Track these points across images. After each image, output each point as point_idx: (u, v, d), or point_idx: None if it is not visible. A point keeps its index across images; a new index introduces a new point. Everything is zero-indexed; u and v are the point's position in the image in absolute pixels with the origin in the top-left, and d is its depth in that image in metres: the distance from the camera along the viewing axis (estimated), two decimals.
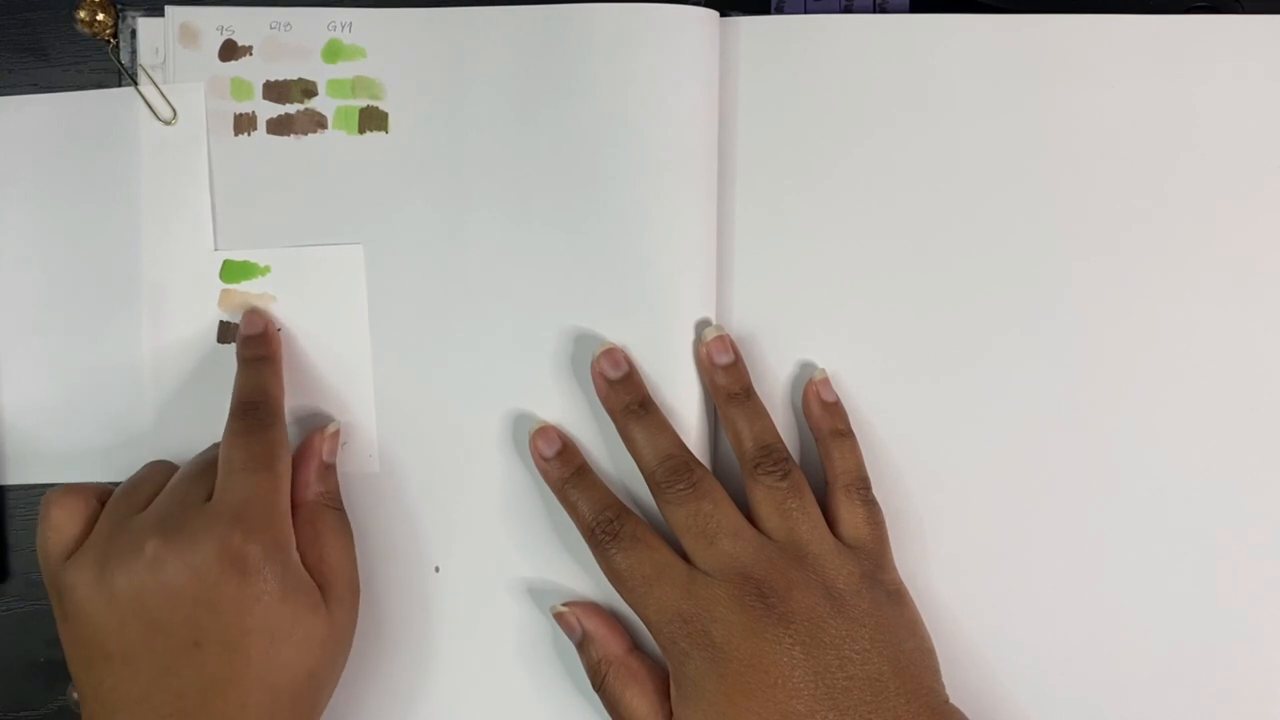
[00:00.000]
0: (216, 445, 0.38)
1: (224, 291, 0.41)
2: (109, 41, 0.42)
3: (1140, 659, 0.41)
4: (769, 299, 0.42)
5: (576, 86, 0.41)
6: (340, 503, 0.40)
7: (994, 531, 0.41)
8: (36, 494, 0.42)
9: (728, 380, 0.40)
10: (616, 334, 0.40)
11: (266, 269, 0.41)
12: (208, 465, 0.37)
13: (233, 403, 0.38)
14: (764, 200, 0.42)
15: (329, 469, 0.40)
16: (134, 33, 0.42)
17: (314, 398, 0.41)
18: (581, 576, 0.41)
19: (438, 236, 0.41)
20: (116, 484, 0.38)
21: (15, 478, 0.42)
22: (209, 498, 0.36)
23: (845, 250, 0.42)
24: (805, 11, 0.42)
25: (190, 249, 0.41)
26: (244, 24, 0.41)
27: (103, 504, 0.37)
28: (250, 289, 0.41)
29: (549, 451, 0.40)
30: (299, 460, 0.39)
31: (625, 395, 0.39)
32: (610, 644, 0.39)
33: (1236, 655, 0.41)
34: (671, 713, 0.37)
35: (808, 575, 0.37)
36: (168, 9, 0.41)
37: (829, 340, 0.42)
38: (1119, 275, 0.41)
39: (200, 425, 0.41)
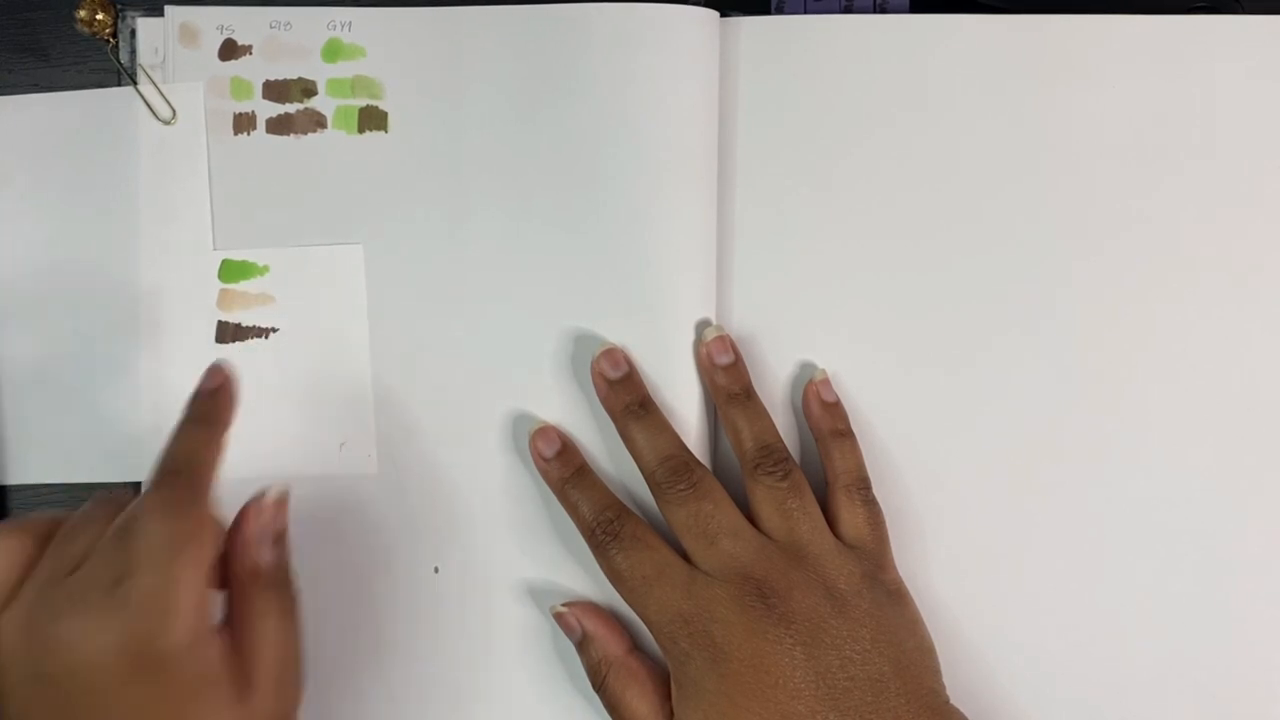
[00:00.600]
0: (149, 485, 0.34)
1: (222, 291, 0.41)
2: (108, 41, 0.42)
3: (1140, 659, 0.41)
4: (769, 299, 0.42)
5: (576, 86, 0.41)
6: (288, 576, 0.36)
7: (994, 531, 0.41)
8: (37, 494, 0.42)
9: (728, 380, 0.40)
10: (616, 334, 0.40)
11: (265, 269, 0.41)
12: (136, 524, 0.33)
13: (156, 465, 0.34)
14: (764, 200, 0.42)
15: (279, 538, 0.36)
16: (133, 32, 0.42)
17: (312, 399, 0.41)
18: (581, 577, 0.41)
19: (437, 236, 0.41)
20: (88, 494, 0.35)
21: (16, 478, 0.42)
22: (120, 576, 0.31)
23: (845, 250, 0.42)
24: (805, 11, 0.42)
25: (189, 248, 0.41)
26: (244, 23, 0.41)
27: (47, 542, 0.33)
28: (249, 288, 0.41)
29: (549, 452, 0.40)
30: (236, 531, 0.35)
31: (625, 396, 0.39)
32: (610, 644, 0.39)
33: (1236, 655, 0.41)
34: (672, 713, 0.37)
35: (808, 575, 0.37)
36: (167, 9, 0.41)
37: (829, 340, 0.42)
38: (1119, 275, 0.41)
39: None
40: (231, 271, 0.41)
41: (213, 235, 0.41)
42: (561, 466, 0.40)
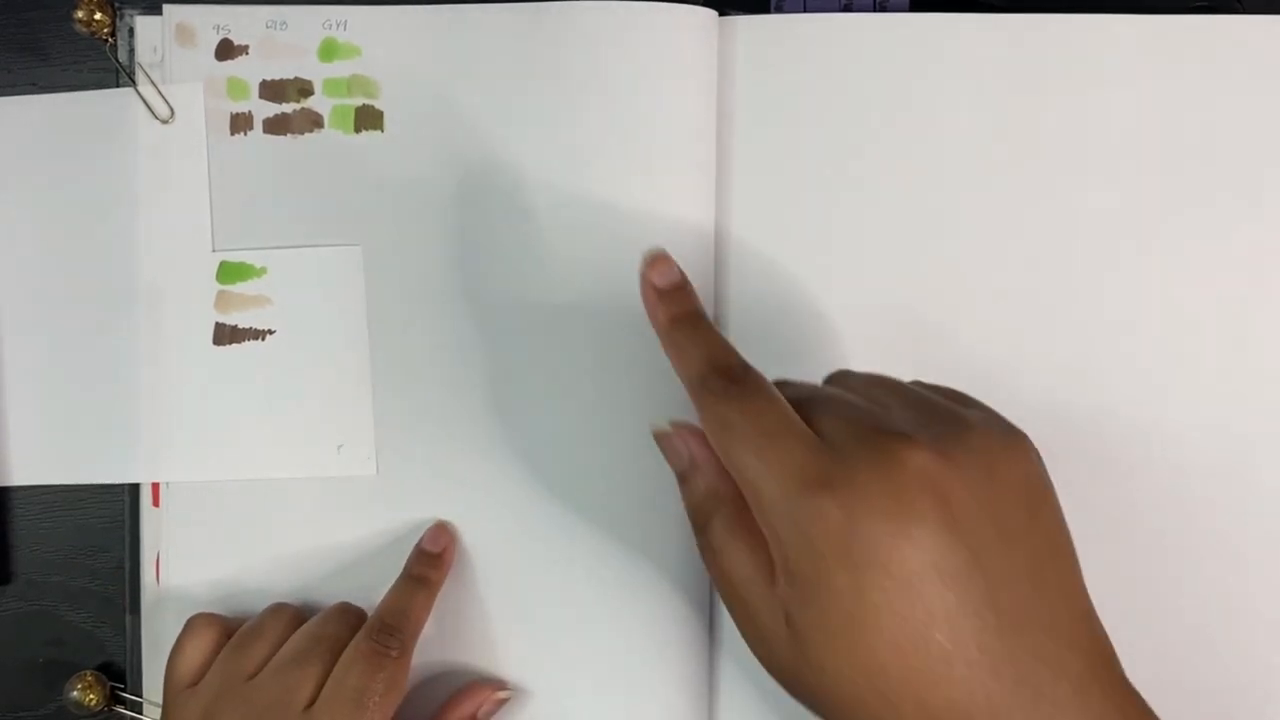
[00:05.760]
0: (332, 614, 0.39)
1: (220, 293, 0.41)
2: (107, 40, 0.42)
3: (1141, 659, 0.41)
4: (768, 298, 0.42)
5: (573, 85, 0.40)
6: None
7: None
8: (38, 494, 0.42)
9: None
10: (616, 333, 0.40)
11: (263, 270, 0.41)
12: (319, 650, 0.37)
13: (373, 616, 0.38)
14: (763, 199, 0.42)
15: None
16: (132, 31, 0.42)
17: (310, 402, 0.41)
18: (586, 579, 0.41)
19: (434, 236, 0.41)
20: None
21: (16, 478, 0.42)
22: (312, 701, 0.36)
23: (844, 249, 0.41)
24: (804, 10, 0.42)
25: (187, 250, 0.41)
26: (240, 23, 0.41)
27: (227, 637, 0.39)
28: (246, 290, 0.41)
29: (663, 283, 0.34)
30: (451, 708, 0.40)
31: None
32: (723, 480, 0.32)
33: (1237, 655, 0.41)
34: (779, 599, 0.30)
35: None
36: (165, 7, 0.41)
37: (828, 340, 0.41)
38: (1119, 275, 0.41)
39: (198, 427, 0.41)
40: (229, 273, 0.41)
41: (211, 236, 0.41)
42: (676, 304, 0.34)
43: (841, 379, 0.34)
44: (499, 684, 0.41)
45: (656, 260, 0.34)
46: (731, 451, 0.30)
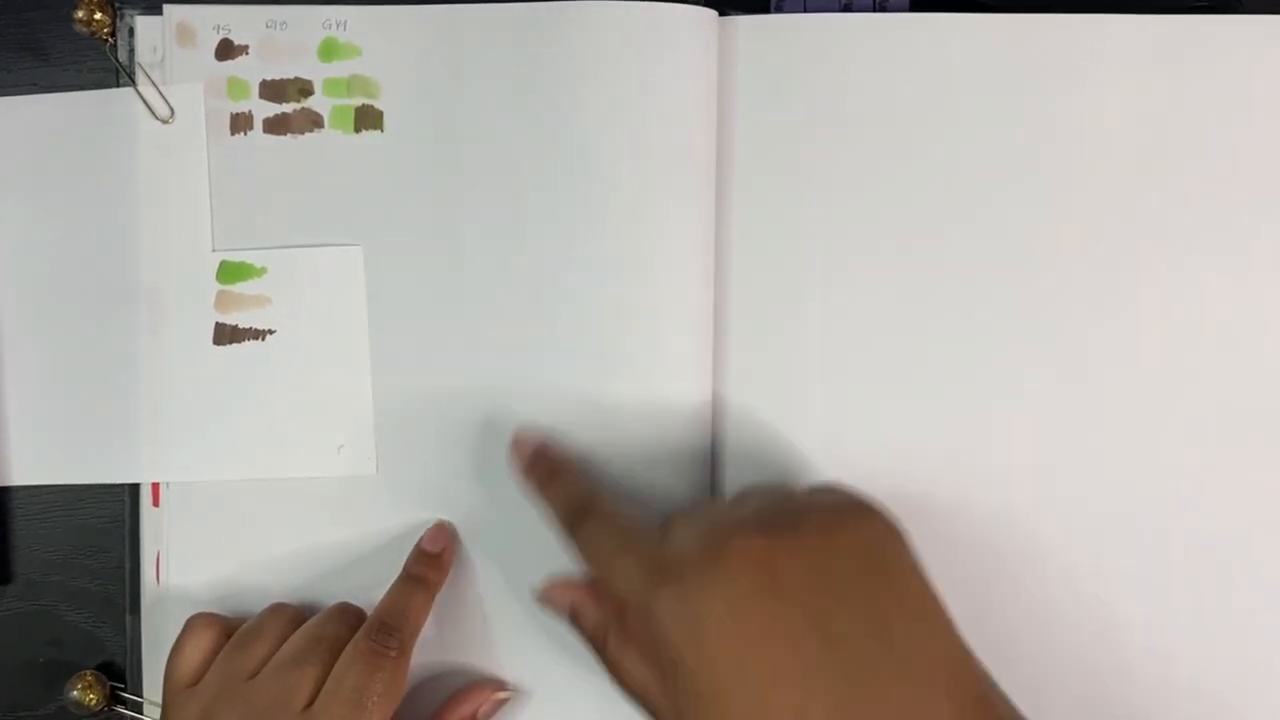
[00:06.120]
0: (332, 613, 0.39)
1: (220, 293, 0.41)
2: (107, 40, 0.42)
3: (1142, 660, 0.41)
4: (766, 298, 0.42)
5: (573, 84, 0.40)
6: None
7: (997, 540, 0.41)
8: (38, 495, 0.42)
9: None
10: (615, 332, 0.40)
11: (263, 270, 0.41)
12: (319, 650, 0.37)
13: (372, 616, 0.38)
14: (762, 199, 0.42)
15: None
16: (132, 31, 0.42)
17: (310, 402, 0.41)
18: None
19: (434, 236, 0.41)
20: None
21: (16, 478, 0.42)
22: (311, 701, 0.36)
23: (844, 249, 0.41)
24: (804, 10, 0.42)
25: (187, 249, 0.41)
26: (240, 23, 0.41)
27: (227, 637, 0.39)
28: (246, 290, 0.41)
29: (527, 453, 0.40)
30: (451, 708, 0.40)
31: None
32: (605, 605, 0.37)
33: (1237, 657, 0.41)
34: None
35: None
36: (165, 7, 0.41)
37: (827, 341, 0.41)
38: (1119, 275, 0.41)
39: (197, 427, 0.41)
40: (229, 273, 0.41)
41: (211, 236, 0.41)
42: (538, 466, 0.39)
43: (736, 494, 0.37)
44: (499, 684, 0.41)
45: (517, 444, 0.40)
46: (597, 567, 0.35)
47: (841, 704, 0.29)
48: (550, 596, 0.39)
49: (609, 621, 0.36)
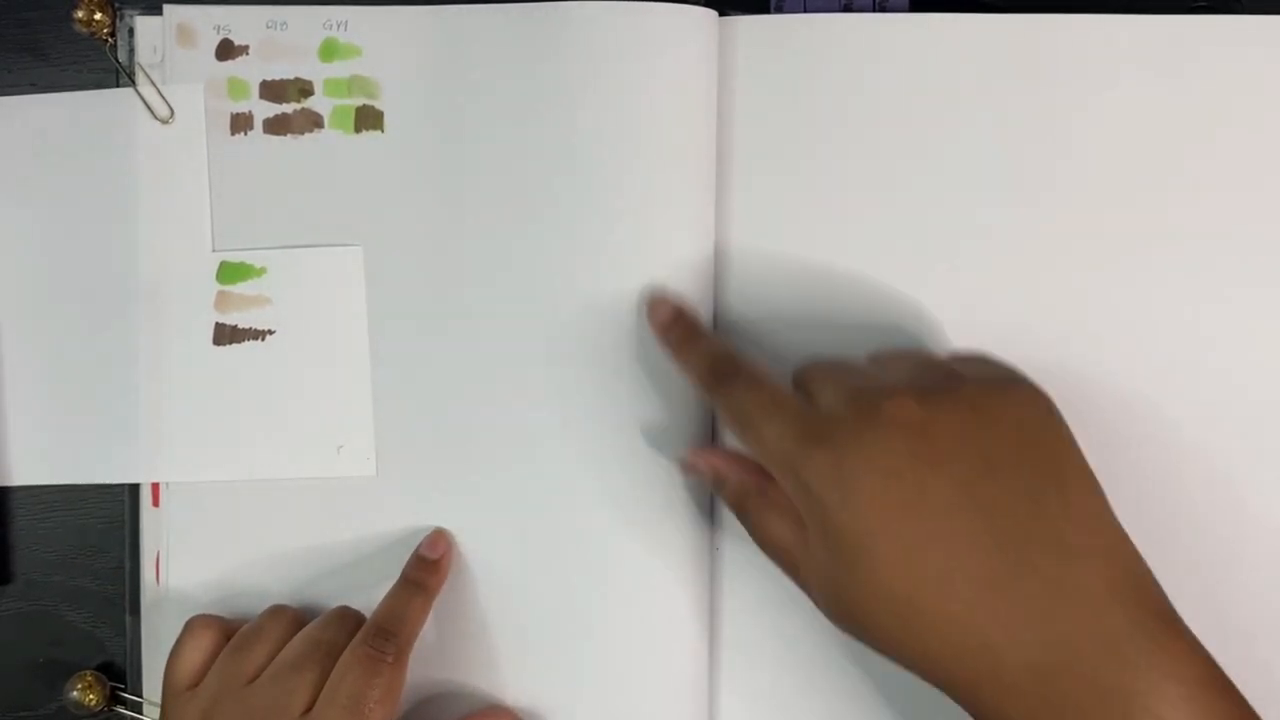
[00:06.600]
0: (331, 618, 0.39)
1: (220, 293, 0.41)
2: (107, 41, 0.42)
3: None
4: (767, 298, 0.42)
5: (574, 85, 0.40)
6: None
7: None
8: (38, 495, 0.42)
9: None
10: (615, 332, 0.40)
11: (263, 270, 0.41)
12: (317, 655, 0.37)
13: (369, 621, 0.38)
14: (762, 199, 0.42)
15: None
16: (132, 31, 0.42)
17: (310, 402, 0.41)
18: (585, 582, 0.41)
19: (433, 236, 0.41)
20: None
21: (16, 478, 0.42)
22: (309, 706, 0.36)
23: (843, 249, 0.41)
24: (804, 10, 0.42)
25: (187, 250, 0.41)
26: (240, 23, 0.41)
27: (226, 639, 0.39)
28: (246, 290, 0.41)
29: (665, 318, 0.39)
30: None
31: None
32: (747, 472, 0.36)
33: (1238, 656, 0.41)
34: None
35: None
36: (165, 7, 0.41)
37: (828, 340, 0.41)
38: (1119, 275, 0.41)
39: (198, 427, 0.41)
40: (229, 273, 0.41)
41: (211, 236, 0.41)
42: (677, 329, 0.39)
43: (873, 356, 0.37)
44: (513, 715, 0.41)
45: (655, 305, 0.40)
46: (744, 431, 0.34)
47: (989, 573, 0.30)
48: (695, 463, 0.38)
49: (750, 484, 0.36)
